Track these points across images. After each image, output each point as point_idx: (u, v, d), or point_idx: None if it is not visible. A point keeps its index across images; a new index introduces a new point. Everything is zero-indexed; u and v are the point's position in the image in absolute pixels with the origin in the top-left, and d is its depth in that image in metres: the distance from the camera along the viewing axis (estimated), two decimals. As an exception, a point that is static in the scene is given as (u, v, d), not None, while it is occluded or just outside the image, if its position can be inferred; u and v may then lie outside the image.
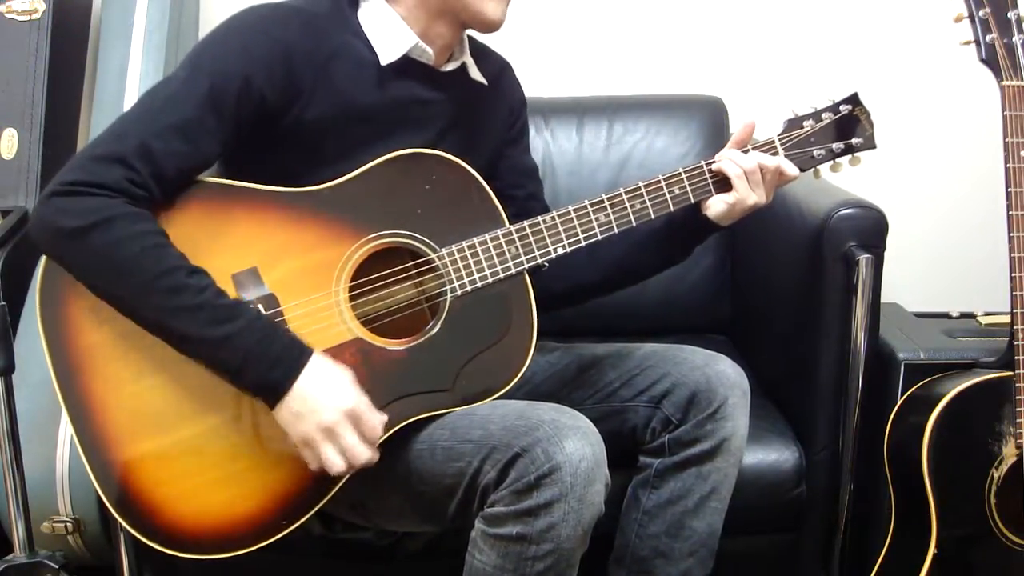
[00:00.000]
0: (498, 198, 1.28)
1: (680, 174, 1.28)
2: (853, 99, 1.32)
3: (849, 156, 1.32)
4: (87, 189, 1.09)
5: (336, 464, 1.12)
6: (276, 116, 1.19)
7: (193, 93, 1.14)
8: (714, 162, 1.28)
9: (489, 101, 1.38)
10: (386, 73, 1.24)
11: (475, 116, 1.35)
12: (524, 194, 1.43)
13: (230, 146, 1.18)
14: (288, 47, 1.18)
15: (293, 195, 1.19)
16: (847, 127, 1.31)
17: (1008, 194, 1.39)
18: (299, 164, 1.22)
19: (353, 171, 1.21)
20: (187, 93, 1.14)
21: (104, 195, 1.09)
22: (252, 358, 1.09)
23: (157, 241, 1.10)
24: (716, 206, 1.28)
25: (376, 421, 1.14)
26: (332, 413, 1.11)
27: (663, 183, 1.27)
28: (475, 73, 1.34)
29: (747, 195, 1.27)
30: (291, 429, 1.12)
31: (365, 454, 1.13)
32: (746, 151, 1.28)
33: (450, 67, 1.30)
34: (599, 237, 1.26)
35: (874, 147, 1.33)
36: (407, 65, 1.26)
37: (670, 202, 1.27)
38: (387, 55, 1.24)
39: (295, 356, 1.11)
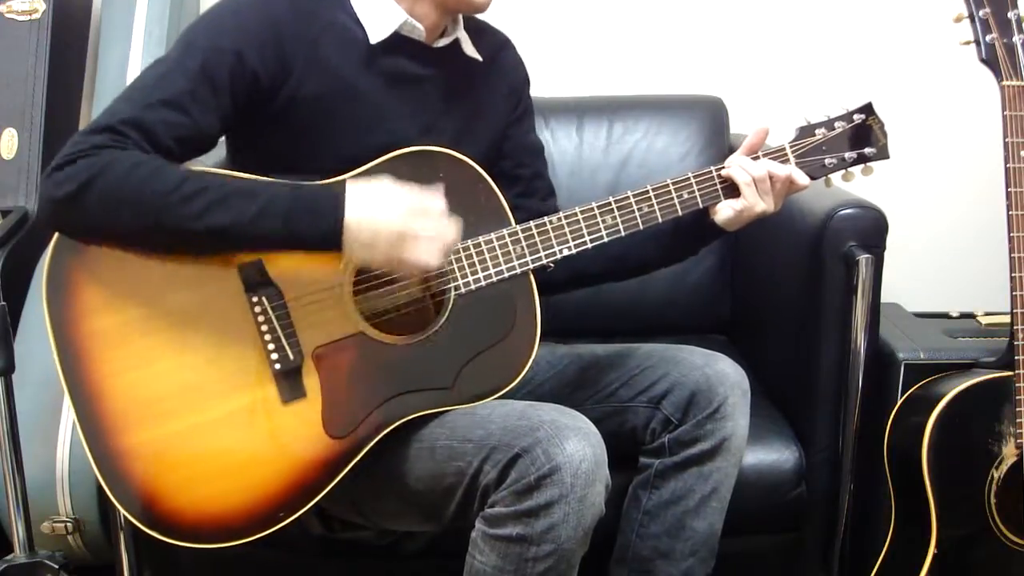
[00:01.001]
0: (503, 178, 1.28)
1: (689, 179, 1.27)
2: (867, 108, 1.31)
3: (862, 166, 1.32)
4: (78, 155, 1.10)
5: (432, 258, 1.13)
6: (269, 95, 1.19)
7: (185, 68, 1.15)
8: (724, 168, 1.27)
9: (487, 78, 1.37)
10: (376, 50, 1.24)
11: (472, 93, 1.35)
12: (529, 173, 1.42)
13: (229, 123, 1.19)
14: (278, 26, 1.19)
15: None
16: (860, 136, 1.31)
17: (1008, 194, 1.39)
18: (297, 145, 1.22)
19: (351, 151, 1.21)
20: (179, 69, 1.15)
21: (92, 154, 1.10)
22: (295, 217, 1.11)
23: (157, 164, 1.11)
24: (724, 212, 1.28)
25: (433, 200, 1.15)
26: (397, 221, 1.12)
27: (672, 187, 1.27)
28: (469, 49, 1.33)
29: (755, 202, 1.26)
30: (373, 258, 1.14)
31: (448, 231, 1.15)
32: (756, 158, 1.27)
33: (442, 43, 1.30)
34: (605, 240, 1.26)
35: (887, 157, 1.32)
36: (397, 42, 1.25)
37: (678, 207, 1.27)
38: (376, 33, 1.24)
39: (332, 196, 1.12)
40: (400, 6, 1.24)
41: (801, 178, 1.27)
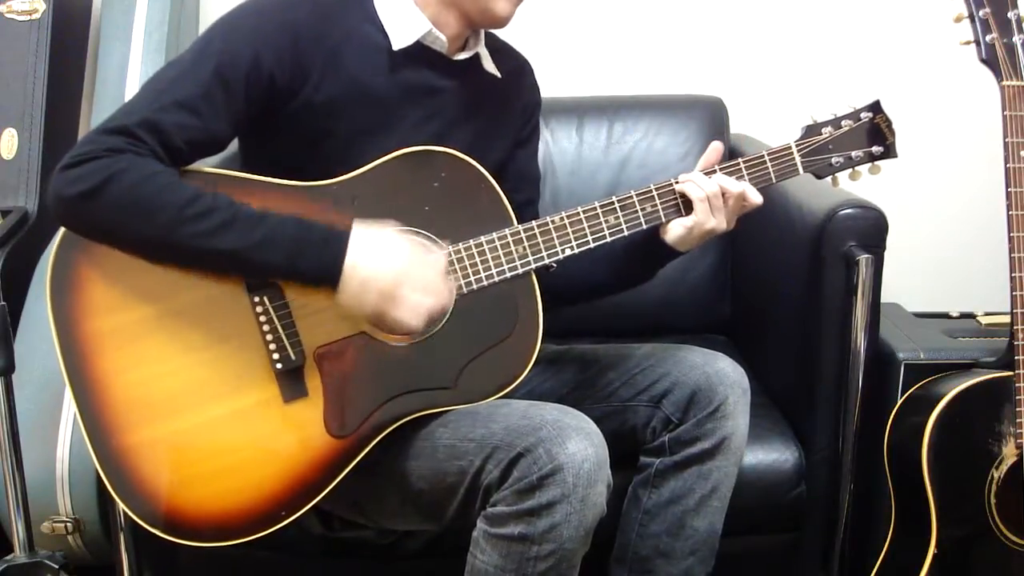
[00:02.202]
0: None
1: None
2: (874, 107, 1.31)
3: (869, 164, 1.31)
4: (96, 155, 1.10)
5: (411, 322, 1.14)
6: (285, 98, 1.20)
7: (200, 71, 1.15)
8: (678, 182, 1.27)
9: (503, 96, 1.38)
10: (397, 58, 1.25)
11: (488, 109, 1.35)
12: (522, 199, 1.42)
13: (242, 127, 1.19)
14: (297, 30, 1.19)
15: (302, 188, 1.20)
16: (867, 135, 1.30)
17: (1008, 194, 1.39)
18: (309, 148, 1.22)
19: (362, 158, 1.21)
20: (195, 71, 1.15)
21: (110, 155, 1.10)
22: (301, 247, 1.12)
23: (171, 178, 1.12)
24: (674, 230, 1.27)
25: (432, 266, 1.16)
26: (388, 278, 1.13)
27: (675, 186, 1.27)
28: (488, 65, 1.34)
29: (706, 219, 1.26)
30: (358, 306, 1.14)
31: (440, 296, 1.15)
32: (711, 174, 1.27)
33: (463, 56, 1.30)
34: (608, 239, 1.26)
35: (895, 156, 1.31)
36: (419, 51, 1.26)
37: (682, 207, 1.27)
38: (400, 40, 1.24)
39: (337, 233, 1.13)
40: (424, 15, 1.25)
41: (754, 196, 1.27)
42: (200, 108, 1.14)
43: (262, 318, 1.16)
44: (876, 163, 1.32)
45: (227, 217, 1.11)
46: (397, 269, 1.13)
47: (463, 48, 1.31)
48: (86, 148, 1.10)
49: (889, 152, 1.31)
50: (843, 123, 1.30)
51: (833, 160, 1.30)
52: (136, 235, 1.12)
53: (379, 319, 1.16)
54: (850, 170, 1.32)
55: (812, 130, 1.30)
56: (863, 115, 1.31)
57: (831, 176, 1.32)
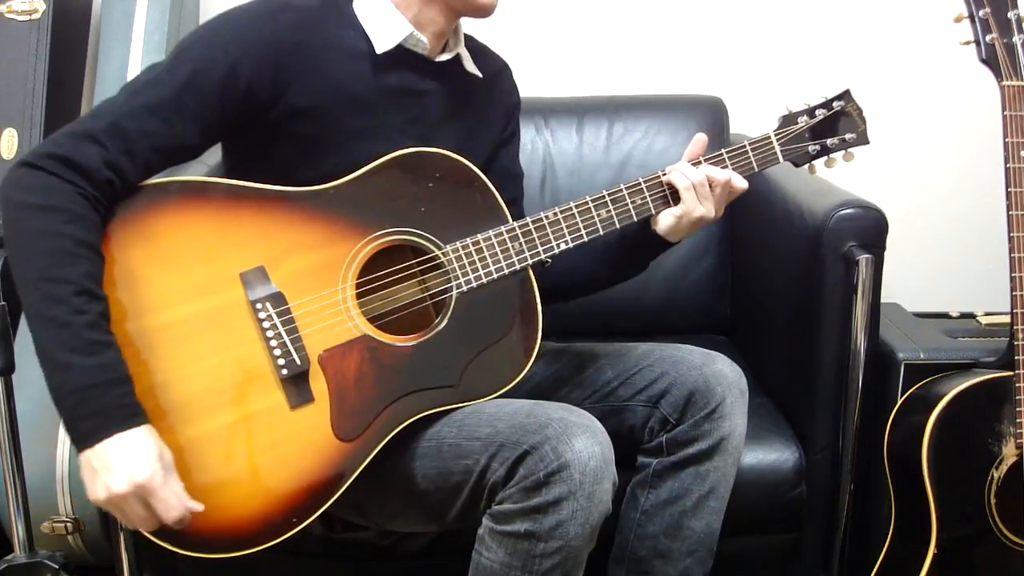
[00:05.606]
0: None
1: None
2: (845, 95, 1.34)
3: (843, 152, 1.34)
4: (54, 165, 1.08)
5: (132, 522, 1.08)
6: (266, 106, 1.19)
7: (173, 77, 1.15)
8: (665, 173, 1.28)
9: (485, 96, 1.39)
10: (380, 62, 1.25)
11: (471, 109, 1.36)
12: (507, 197, 1.40)
13: (215, 134, 1.19)
14: (276, 40, 1.19)
15: (298, 194, 1.19)
16: (840, 123, 1.33)
17: (1008, 194, 1.39)
18: (296, 156, 1.22)
19: (349, 162, 1.21)
20: (168, 77, 1.15)
21: (71, 186, 1.08)
22: (76, 398, 1.05)
23: (73, 250, 1.07)
24: (664, 220, 1.29)
25: (173, 500, 1.07)
26: (122, 482, 1.05)
27: (663, 177, 1.28)
28: (470, 66, 1.35)
29: (694, 207, 1.27)
30: (86, 482, 1.08)
31: (149, 525, 1.08)
32: (697, 164, 1.29)
33: (444, 57, 1.31)
34: (600, 232, 1.27)
35: (867, 143, 1.34)
36: (401, 55, 1.26)
37: (670, 197, 1.28)
38: (382, 44, 1.25)
39: (119, 418, 1.06)
40: (405, 17, 1.25)
41: (739, 182, 1.29)
42: (169, 115, 1.14)
43: (265, 324, 1.16)
44: (850, 150, 1.34)
45: (63, 320, 1.05)
46: (137, 480, 1.04)
47: (444, 50, 1.31)
48: (50, 149, 1.09)
49: (861, 139, 1.34)
50: (817, 112, 1.33)
51: (810, 148, 1.33)
52: (10, 263, 1.09)
53: (98, 503, 1.08)
54: (826, 157, 1.34)
55: (788, 120, 1.33)
56: (835, 104, 1.33)
57: (808, 164, 1.34)
